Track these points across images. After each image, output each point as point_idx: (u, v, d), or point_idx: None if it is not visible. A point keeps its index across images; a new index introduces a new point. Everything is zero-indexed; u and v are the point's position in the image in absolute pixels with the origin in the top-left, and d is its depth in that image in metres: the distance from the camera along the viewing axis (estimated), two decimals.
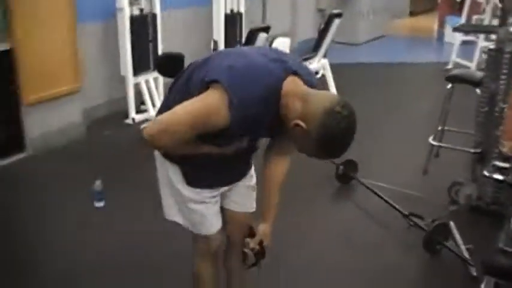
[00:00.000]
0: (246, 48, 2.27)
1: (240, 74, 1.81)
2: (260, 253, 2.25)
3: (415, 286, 3.15)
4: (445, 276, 3.17)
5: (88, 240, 3.41)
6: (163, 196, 2.25)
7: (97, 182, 3.72)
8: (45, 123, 4.62)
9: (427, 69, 7.55)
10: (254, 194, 2.37)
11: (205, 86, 1.82)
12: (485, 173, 3.34)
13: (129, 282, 3.02)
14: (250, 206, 2.37)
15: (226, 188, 2.24)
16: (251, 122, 1.83)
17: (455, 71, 4.14)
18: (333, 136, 1.75)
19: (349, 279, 3.10)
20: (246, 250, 2.25)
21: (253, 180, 2.35)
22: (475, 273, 3.04)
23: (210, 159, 2.03)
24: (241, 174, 2.28)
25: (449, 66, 7.26)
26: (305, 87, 1.87)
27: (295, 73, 1.88)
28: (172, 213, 2.25)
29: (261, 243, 2.24)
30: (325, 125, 1.73)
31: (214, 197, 2.20)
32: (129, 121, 5.32)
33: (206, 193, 2.15)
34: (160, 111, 2.03)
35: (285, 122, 1.84)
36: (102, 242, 3.40)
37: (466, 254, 3.19)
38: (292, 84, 1.85)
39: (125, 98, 5.30)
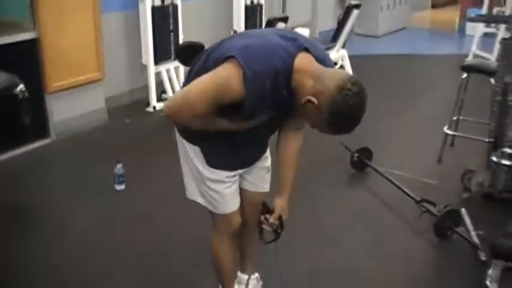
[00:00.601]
0: (262, 29, 2.29)
1: (254, 50, 1.89)
2: (279, 228, 2.33)
3: (425, 270, 3.21)
4: (454, 260, 3.23)
5: (108, 221, 3.54)
6: (185, 176, 2.34)
7: (118, 166, 3.84)
8: (68, 110, 4.75)
9: (447, 61, 7.54)
10: (269, 176, 2.45)
11: (220, 63, 1.91)
12: (494, 158, 3.39)
13: (148, 263, 3.13)
14: (265, 187, 2.46)
15: (243, 170, 2.32)
16: (265, 96, 1.89)
17: (471, 61, 4.19)
18: (343, 113, 1.81)
19: (360, 261, 3.18)
20: (264, 226, 2.34)
21: (268, 162, 2.44)
22: (484, 258, 3.10)
23: (229, 140, 2.12)
24: (258, 156, 2.36)
25: (469, 58, 7.25)
26: (317, 64, 1.93)
27: (306, 50, 1.94)
28: (192, 192, 2.35)
29: (279, 218, 2.32)
30: (335, 102, 1.79)
31: (233, 176, 2.27)
32: (150, 109, 5.44)
33: (225, 173, 2.23)
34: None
35: (297, 97, 1.90)
36: (122, 223, 3.52)
37: (475, 240, 3.26)
38: (303, 60, 1.91)
39: (146, 87, 5.42)
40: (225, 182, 2.25)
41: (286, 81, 1.90)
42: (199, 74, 2.00)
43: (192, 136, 2.17)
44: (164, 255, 3.19)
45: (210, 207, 2.32)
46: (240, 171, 2.29)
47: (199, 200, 2.32)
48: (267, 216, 2.34)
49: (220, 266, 2.50)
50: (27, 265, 3.07)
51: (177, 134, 2.27)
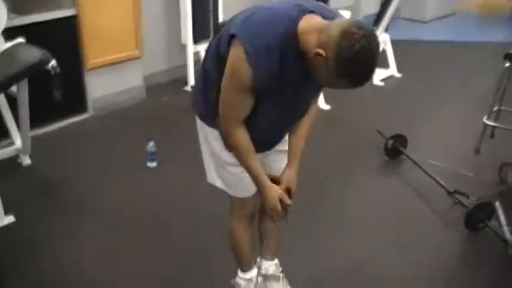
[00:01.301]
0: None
1: (253, 23, 1.86)
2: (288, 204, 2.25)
3: (452, 263, 3.16)
4: (484, 255, 3.16)
5: (139, 197, 3.59)
6: (205, 160, 2.35)
7: (150, 143, 3.87)
8: (106, 86, 4.81)
9: (495, 50, 7.28)
10: (286, 158, 2.40)
11: (227, 43, 1.89)
12: None
13: (176, 238, 3.19)
14: (282, 168, 2.40)
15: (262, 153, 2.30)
16: (275, 69, 1.84)
17: None
18: (351, 58, 1.69)
19: (386, 251, 3.14)
20: None
21: (286, 146, 2.39)
22: None
23: (249, 125, 2.08)
24: (278, 141, 2.33)
25: None
26: (321, 19, 1.85)
27: (312, 12, 1.87)
28: (212, 176, 2.36)
29: (288, 190, 2.24)
30: (341, 48, 1.68)
31: None
32: (187, 88, 5.45)
33: None
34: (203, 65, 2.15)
35: (308, 59, 1.82)
36: (152, 200, 3.57)
37: (508, 235, 3.16)
38: (307, 20, 1.83)
39: (184, 66, 5.43)
40: (238, 166, 2.22)
41: (294, 48, 1.84)
42: (213, 49, 2.03)
43: (212, 120, 2.16)
44: (192, 231, 3.25)
45: (228, 191, 2.32)
46: (260, 155, 2.27)
47: (218, 183, 2.33)
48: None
49: (238, 250, 2.51)
50: (60, 239, 3.16)
51: (197, 119, 2.27)
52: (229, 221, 2.46)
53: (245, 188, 2.30)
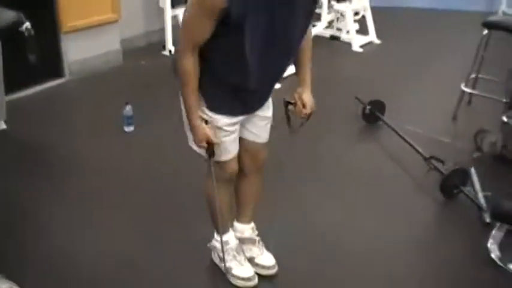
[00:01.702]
0: None
1: None
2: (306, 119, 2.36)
3: (427, 228, 3.20)
4: (458, 220, 3.20)
5: (116, 162, 3.58)
6: (185, 125, 2.32)
7: (127, 107, 3.84)
8: (83, 50, 4.74)
9: (474, 19, 7.31)
10: (269, 126, 2.44)
11: None
12: (504, 119, 3.31)
13: (155, 200, 3.20)
14: (265, 137, 2.45)
15: (244, 117, 2.29)
16: None
17: (492, 17, 4.05)
18: None
19: (361, 215, 3.17)
20: (289, 114, 2.39)
21: (270, 112, 2.41)
22: (488, 220, 3.07)
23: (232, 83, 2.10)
24: (261, 102, 2.32)
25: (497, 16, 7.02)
26: None
27: None
28: (191, 141, 2.33)
29: (310, 114, 2.34)
30: None
31: (233, 124, 2.26)
32: (165, 53, 5.40)
33: (225, 119, 2.22)
34: None
35: None
36: (129, 164, 3.56)
37: (482, 201, 3.21)
38: None
39: (162, 30, 5.36)
40: (224, 131, 2.24)
41: None
42: None
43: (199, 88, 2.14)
44: (170, 194, 3.25)
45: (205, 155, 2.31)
46: (241, 117, 2.27)
47: (195, 147, 2.31)
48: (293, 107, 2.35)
49: (214, 213, 2.50)
50: (40, 202, 3.15)
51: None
52: (206, 184, 2.45)
53: (225, 151, 2.30)
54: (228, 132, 2.26)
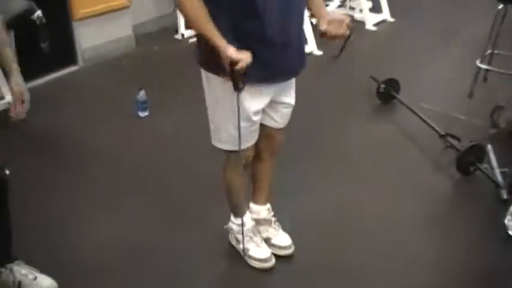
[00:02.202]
0: None
1: None
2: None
3: (444, 205, 3.18)
4: (475, 198, 3.18)
5: (132, 147, 3.60)
6: (211, 121, 2.33)
7: (140, 93, 3.85)
8: (95, 37, 4.75)
9: None
10: (290, 113, 2.44)
11: None
12: None
13: (168, 187, 3.20)
14: (285, 123, 2.46)
15: (275, 87, 2.25)
16: None
17: None
18: None
19: (378, 193, 3.16)
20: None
21: (294, 100, 2.41)
22: (505, 196, 3.04)
23: (257, 42, 2.05)
24: (292, 58, 2.22)
25: None
26: None
27: None
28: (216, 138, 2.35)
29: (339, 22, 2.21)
30: None
31: (258, 113, 2.25)
32: (178, 37, 5.39)
33: (254, 104, 2.20)
34: None
35: None
36: (144, 149, 3.58)
37: (499, 177, 3.18)
38: None
39: (174, 14, 5.35)
40: (250, 121, 2.24)
41: None
42: None
43: (217, 62, 2.06)
44: (185, 178, 3.26)
45: (228, 147, 2.31)
46: (272, 89, 2.23)
47: (219, 145, 2.34)
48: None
49: (232, 196, 2.54)
50: (56, 187, 3.17)
51: (203, 76, 2.24)
52: (224, 169, 2.47)
53: (244, 141, 2.28)
54: (251, 123, 2.26)
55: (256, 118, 2.27)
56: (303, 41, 2.33)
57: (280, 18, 2.07)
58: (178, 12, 5.24)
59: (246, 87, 2.08)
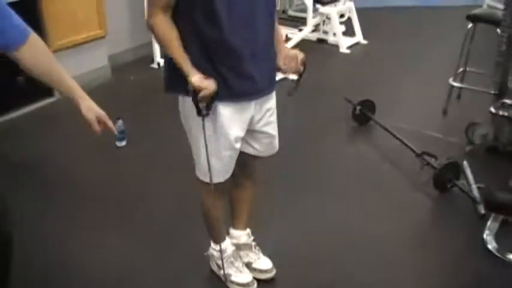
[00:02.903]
0: None
1: None
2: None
3: (423, 222, 3.21)
4: (453, 214, 3.22)
5: (110, 177, 3.58)
6: (194, 152, 2.29)
7: (118, 122, 3.84)
8: (71, 68, 4.62)
9: (459, 13, 7.35)
10: (276, 142, 2.44)
11: None
12: (492, 109, 3.33)
13: (148, 216, 3.18)
14: (267, 154, 2.46)
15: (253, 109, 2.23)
16: None
17: (476, 10, 4.08)
18: None
19: (357, 214, 3.18)
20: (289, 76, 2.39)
21: (273, 130, 2.40)
22: (483, 212, 3.08)
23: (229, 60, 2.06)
24: (266, 71, 2.23)
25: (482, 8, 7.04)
26: None
27: None
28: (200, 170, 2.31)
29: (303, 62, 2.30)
30: None
31: (239, 140, 2.24)
32: (154, 65, 5.41)
33: (236, 130, 2.19)
34: None
35: None
36: (123, 178, 3.56)
37: (475, 193, 3.23)
38: None
39: (150, 44, 5.38)
40: (233, 149, 2.23)
41: None
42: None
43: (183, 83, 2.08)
44: (165, 207, 3.24)
45: (210, 179, 2.24)
46: (251, 112, 2.22)
47: (202, 177, 2.31)
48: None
49: (211, 223, 2.53)
50: (34, 218, 3.12)
51: (180, 105, 2.24)
52: (202, 197, 2.45)
53: (225, 172, 2.29)
54: (234, 152, 2.25)
55: (238, 146, 2.25)
56: (274, 59, 2.28)
57: (244, 26, 2.06)
58: (154, 41, 5.30)
59: (223, 107, 2.11)
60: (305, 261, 2.78)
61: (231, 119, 2.17)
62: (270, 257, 2.68)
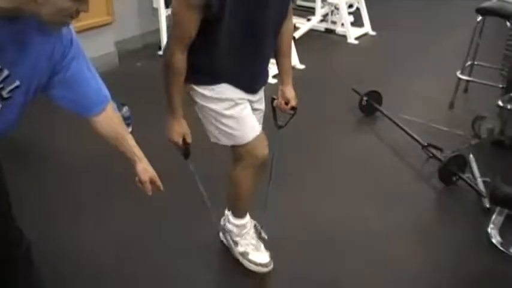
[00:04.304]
0: None
1: None
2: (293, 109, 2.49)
3: (427, 215, 3.21)
4: (458, 207, 3.22)
5: (116, 162, 3.56)
6: (205, 125, 2.38)
7: (124, 109, 3.84)
8: None
9: (469, 5, 7.31)
10: (262, 117, 2.50)
11: None
12: (500, 103, 3.32)
13: (155, 202, 3.16)
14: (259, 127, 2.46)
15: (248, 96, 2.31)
16: None
17: (486, 3, 4.04)
18: None
19: (361, 206, 3.18)
20: (275, 109, 2.53)
21: (263, 105, 2.47)
22: (487, 205, 3.08)
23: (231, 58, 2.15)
24: (263, 76, 2.37)
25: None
26: None
27: None
28: (215, 136, 2.36)
29: (293, 107, 2.49)
30: None
31: (243, 99, 2.28)
32: (161, 53, 5.38)
33: (234, 94, 2.24)
34: None
35: None
36: (128, 164, 3.55)
37: (481, 186, 3.22)
38: None
39: (157, 30, 5.36)
40: (239, 104, 2.26)
41: None
42: None
43: (198, 73, 2.20)
44: (172, 193, 3.21)
45: (232, 141, 2.31)
46: (245, 95, 2.28)
47: (222, 140, 2.34)
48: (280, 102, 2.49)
49: (240, 195, 2.50)
50: (38, 202, 3.13)
51: (191, 92, 2.31)
52: (235, 168, 2.42)
53: (248, 128, 2.30)
54: (243, 105, 2.28)
55: (241, 101, 2.27)
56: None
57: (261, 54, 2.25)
58: (161, 28, 5.29)
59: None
60: (304, 255, 2.75)
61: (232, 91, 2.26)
62: (269, 248, 2.66)
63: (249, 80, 2.30)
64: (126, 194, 3.15)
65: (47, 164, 3.55)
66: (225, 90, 2.23)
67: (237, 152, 2.36)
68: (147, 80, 4.80)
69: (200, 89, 2.25)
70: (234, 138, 2.31)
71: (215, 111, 2.27)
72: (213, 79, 2.22)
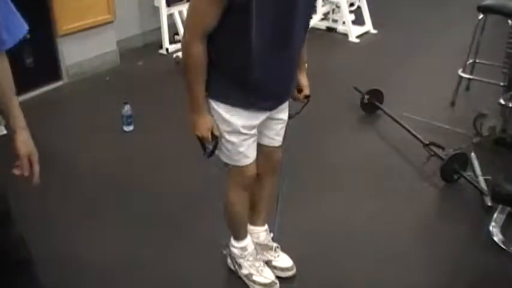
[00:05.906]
0: None
1: None
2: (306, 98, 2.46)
3: (429, 213, 3.21)
4: (459, 205, 3.22)
5: (117, 161, 3.58)
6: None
7: (126, 107, 3.85)
8: (80, 52, 4.74)
9: (470, 3, 7.29)
10: (284, 128, 2.42)
11: None
12: (502, 101, 3.31)
13: (154, 196, 3.20)
14: (280, 140, 2.43)
15: (263, 116, 2.24)
16: None
17: (488, 1, 4.03)
18: None
19: (364, 204, 3.18)
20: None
21: (286, 114, 2.40)
22: (489, 203, 3.08)
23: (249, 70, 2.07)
24: (280, 96, 2.29)
25: None
26: None
27: None
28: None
29: (307, 96, 2.45)
30: None
31: (252, 127, 2.22)
32: (162, 51, 5.40)
33: (244, 121, 2.17)
34: None
35: None
36: (130, 163, 3.57)
37: (482, 185, 3.22)
38: None
39: (158, 29, 5.36)
40: (241, 134, 2.20)
41: None
42: None
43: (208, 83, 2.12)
44: (170, 192, 3.24)
45: (226, 160, 2.28)
46: (260, 117, 2.22)
47: (220, 156, 2.30)
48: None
49: (234, 219, 2.49)
50: (43, 203, 3.11)
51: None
52: (228, 191, 2.42)
53: (244, 156, 2.27)
54: (247, 136, 2.22)
55: (246, 131, 2.21)
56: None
57: (272, 63, 2.09)
58: (162, 27, 5.29)
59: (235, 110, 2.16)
60: (305, 255, 2.73)
61: (239, 117, 2.18)
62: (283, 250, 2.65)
63: (268, 100, 2.22)
64: (129, 203, 3.18)
65: (51, 169, 3.53)
66: (235, 114, 2.17)
67: (228, 166, 2.34)
68: (148, 79, 4.83)
69: (214, 103, 2.18)
70: (227, 156, 2.28)
71: (220, 127, 2.21)
72: (228, 99, 2.15)
